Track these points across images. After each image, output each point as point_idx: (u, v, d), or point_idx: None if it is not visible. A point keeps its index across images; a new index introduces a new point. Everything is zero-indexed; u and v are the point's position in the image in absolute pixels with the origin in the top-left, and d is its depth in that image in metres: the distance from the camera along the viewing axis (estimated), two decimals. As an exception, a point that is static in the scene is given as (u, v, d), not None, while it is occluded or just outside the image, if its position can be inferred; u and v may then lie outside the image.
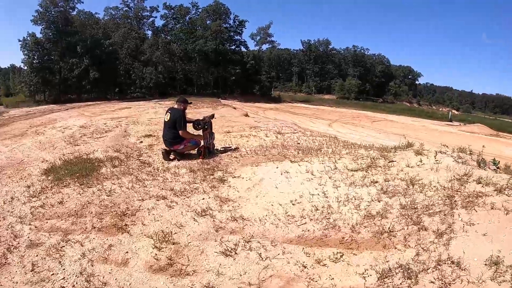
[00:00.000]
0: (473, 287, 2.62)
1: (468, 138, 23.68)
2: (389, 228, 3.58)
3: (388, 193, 4.30)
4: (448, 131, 26.83)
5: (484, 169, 4.68)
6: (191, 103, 6.67)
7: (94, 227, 3.80)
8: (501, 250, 2.86)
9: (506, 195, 3.63)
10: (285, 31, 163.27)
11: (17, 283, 3.00)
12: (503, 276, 2.63)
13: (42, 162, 6.78)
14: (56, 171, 5.74)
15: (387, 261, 3.07)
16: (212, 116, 6.79)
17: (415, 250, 3.13)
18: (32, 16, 32.88)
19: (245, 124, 11.42)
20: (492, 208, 3.43)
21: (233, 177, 5.11)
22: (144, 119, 13.38)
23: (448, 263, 2.86)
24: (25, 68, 34.78)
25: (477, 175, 4.17)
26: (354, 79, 61.93)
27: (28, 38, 32.45)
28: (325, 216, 3.89)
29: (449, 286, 2.67)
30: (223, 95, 41.96)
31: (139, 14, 44.48)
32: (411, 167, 4.85)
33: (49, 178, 5.47)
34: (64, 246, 3.48)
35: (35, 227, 3.91)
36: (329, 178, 4.88)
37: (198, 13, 46.75)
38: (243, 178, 5.06)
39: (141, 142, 8.23)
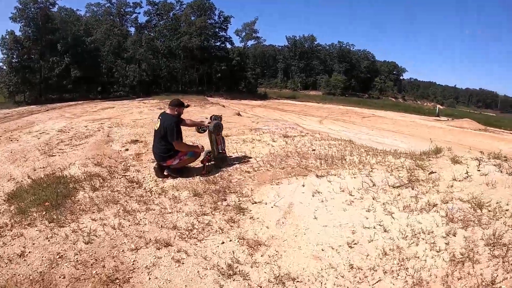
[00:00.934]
0: None
1: (459, 133, 23.16)
2: (490, 280, 2.51)
3: (457, 222, 3.23)
4: (438, 127, 26.31)
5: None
6: (188, 106, 5.21)
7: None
8: None
9: None
10: (270, 28, 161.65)
11: None
12: None
13: (8, 180, 5.34)
14: (21, 197, 4.30)
15: None
16: (220, 117, 5.52)
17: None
18: (11, 13, 30.83)
19: (242, 125, 10.16)
20: None
21: (253, 203, 3.85)
22: (128, 120, 11.97)
23: None
24: (4, 68, 32.43)
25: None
26: (339, 75, 60.91)
27: (7, 36, 30.42)
28: (401, 265, 2.72)
29: None
30: (208, 92, 40.22)
31: (122, 10, 42.35)
32: (459, 181, 3.97)
33: (11, 208, 4.06)
34: None
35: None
36: (373, 199, 3.78)
37: (183, 9, 44.65)
38: (266, 204, 3.83)
39: (127, 149, 6.84)
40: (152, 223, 3.49)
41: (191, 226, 3.40)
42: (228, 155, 5.57)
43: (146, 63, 37.49)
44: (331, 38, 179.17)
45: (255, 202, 3.87)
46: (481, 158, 4.54)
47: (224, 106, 21.59)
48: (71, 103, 25.03)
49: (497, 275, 2.55)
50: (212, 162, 5.23)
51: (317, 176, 4.60)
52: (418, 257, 2.82)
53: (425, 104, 63.30)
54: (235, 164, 5.30)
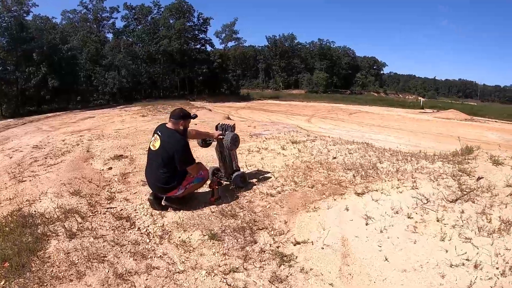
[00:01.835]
0: None
1: (447, 124, 22.98)
2: None
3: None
4: (425, 119, 26.14)
5: None
6: (195, 116, 3.80)
7: None
8: None
9: None
10: (249, 28, 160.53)
11: None
12: None
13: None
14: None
15: None
16: (234, 126, 4.25)
17: None
18: (-16, 23, 28.19)
19: (238, 130, 9.03)
20: None
21: (294, 244, 2.78)
22: (110, 130, 10.65)
23: None
24: (-22, 81, 29.84)
25: None
26: (321, 73, 60.03)
27: (-20, 47, 27.75)
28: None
29: None
30: (191, 96, 38.71)
31: (98, 15, 40.20)
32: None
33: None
34: None
35: None
36: (438, 221, 2.96)
37: (161, 12, 42.83)
38: (312, 243, 2.78)
39: (110, 168, 5.55)
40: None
41: (219, 294, 2.25)
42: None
43: (125, 69, 35.46)
44: (311, 36, 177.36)
45: (298, 243, 2.79)
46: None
47: (210, 110, 20.48)
48: (49, 114, 23.13)
49: None
50: (224, 183, 4.12)
51: (357, 194, 3.64)
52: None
53: (406, 97, 63.43)
54: (250, 184, 4.22)
